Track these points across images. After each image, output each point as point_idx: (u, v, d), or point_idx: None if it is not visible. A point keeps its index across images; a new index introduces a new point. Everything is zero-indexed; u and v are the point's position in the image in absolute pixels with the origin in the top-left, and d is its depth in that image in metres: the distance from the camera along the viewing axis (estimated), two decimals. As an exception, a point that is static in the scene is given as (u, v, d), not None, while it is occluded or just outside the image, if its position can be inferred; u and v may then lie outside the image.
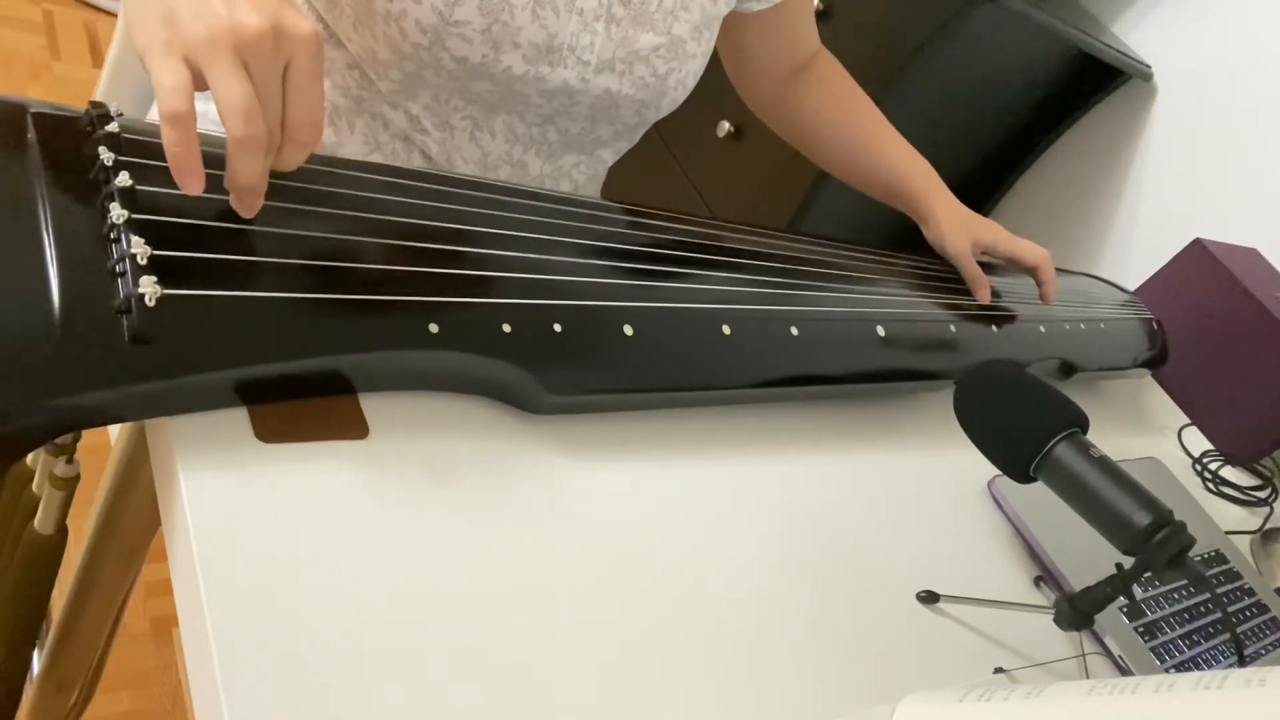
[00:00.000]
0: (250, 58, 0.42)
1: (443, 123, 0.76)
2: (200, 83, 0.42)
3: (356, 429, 0.48)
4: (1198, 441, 1.09)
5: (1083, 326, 0.97)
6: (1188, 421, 1.11)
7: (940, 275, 0.89)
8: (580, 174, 0.86)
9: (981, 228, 0.91)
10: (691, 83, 0.80)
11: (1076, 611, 0.56)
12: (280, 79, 0.43)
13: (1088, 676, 0.64)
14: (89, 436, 0.48)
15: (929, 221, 0.92)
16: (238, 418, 0.45)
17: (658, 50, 0.75)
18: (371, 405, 0.50)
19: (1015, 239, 0.92)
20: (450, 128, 0.76)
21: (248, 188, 0.43)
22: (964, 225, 0.90)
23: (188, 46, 0.42)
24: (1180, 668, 0.71)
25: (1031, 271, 0.92)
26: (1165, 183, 1.49)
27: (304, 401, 0.47)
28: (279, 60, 0.43)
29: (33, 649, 0.62)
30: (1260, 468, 1.10)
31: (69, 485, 0.56)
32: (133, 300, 0.41)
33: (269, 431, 0.45)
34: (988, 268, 0.99)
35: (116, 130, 0.48)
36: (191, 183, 0.42)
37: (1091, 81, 1.50)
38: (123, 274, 0.42)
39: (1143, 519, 0.53)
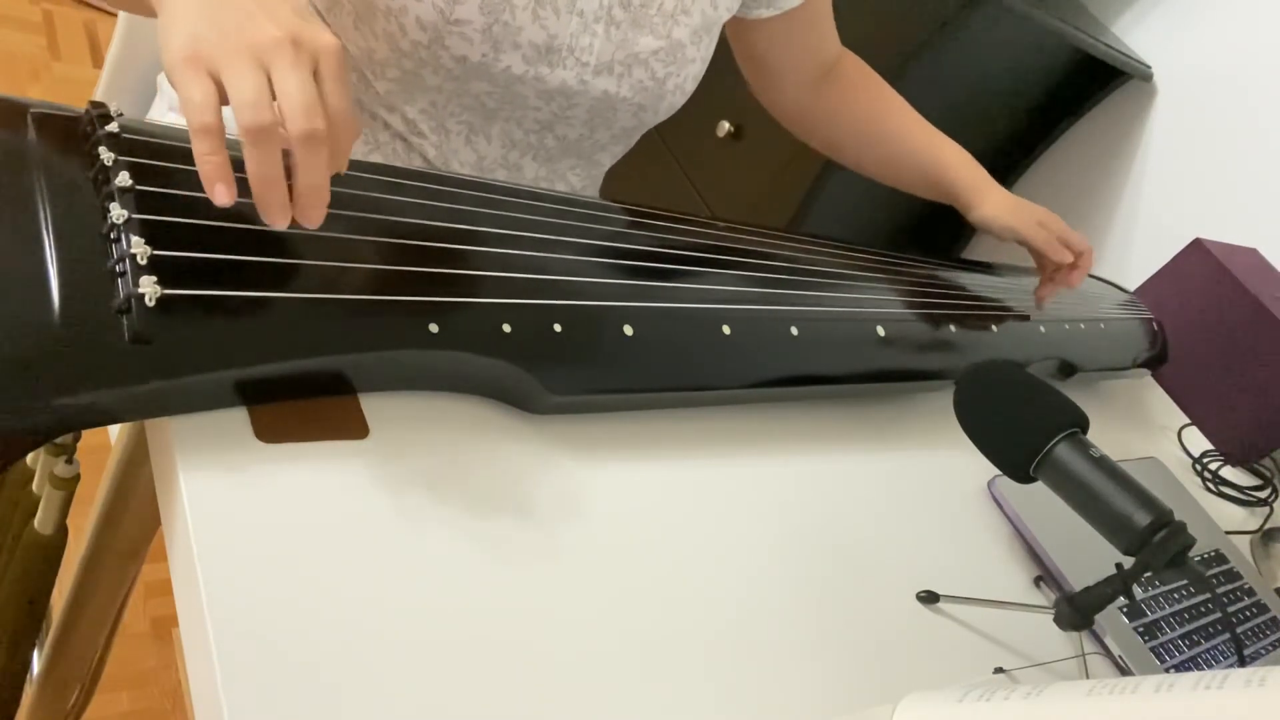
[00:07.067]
0: (270, 63, 0.43)
1: (439, 126, 0.76)
2: (225, 95, 0.43)
3: (356, 429, 0.48)
4: (1198, 441, 1.09)
5: (1083, 326, 0.97)
6: (1188, 421, 1.11)
7: (941, 275, 0.89)
8: (576, 177, 0.86)
9: (1038, 209, 0.92)
10: (690, 87, 0.80)
11: (1076, 611, 0.56)
12: (310, 75, 0.44)
13: (1088, 676, 0.64)
14: (89, 436, 0.48)
15: (980, 206, 0.91)
16: (238, 418, 0.45)
17: (657, 54, 0.75)
18: (371, 405, 0.50)
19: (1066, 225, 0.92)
20: (446, 131, 0.76)
21: (263, 177, 0.42)
22: (1021, 205, 0.91)
23: (209, 61, 0.43)
24: (1180, 668, 0.71)
25: (1075, 258, 0.90)
26: (1165, 183, 1.49)
27: (304, 401, 0.47)
28: (301, 64, 0.43)
29: (33, 649, 0.62)
30: (1260, 468, 1.10)
31: (69, 485, 0.56)
32: (133, 300, 0.41)
33: (269, 431, 0.45)
34: (989, 267, 0.99)
35: (116, 130, 0.48)
36: (222, 192, 0.42)
37: (1091, 81, 1.50)
38: (123, 274, 0.42)
39: (1143, 519, 0.53)
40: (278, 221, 0.43)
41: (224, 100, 0.43)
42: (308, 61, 0.44)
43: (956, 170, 0.92)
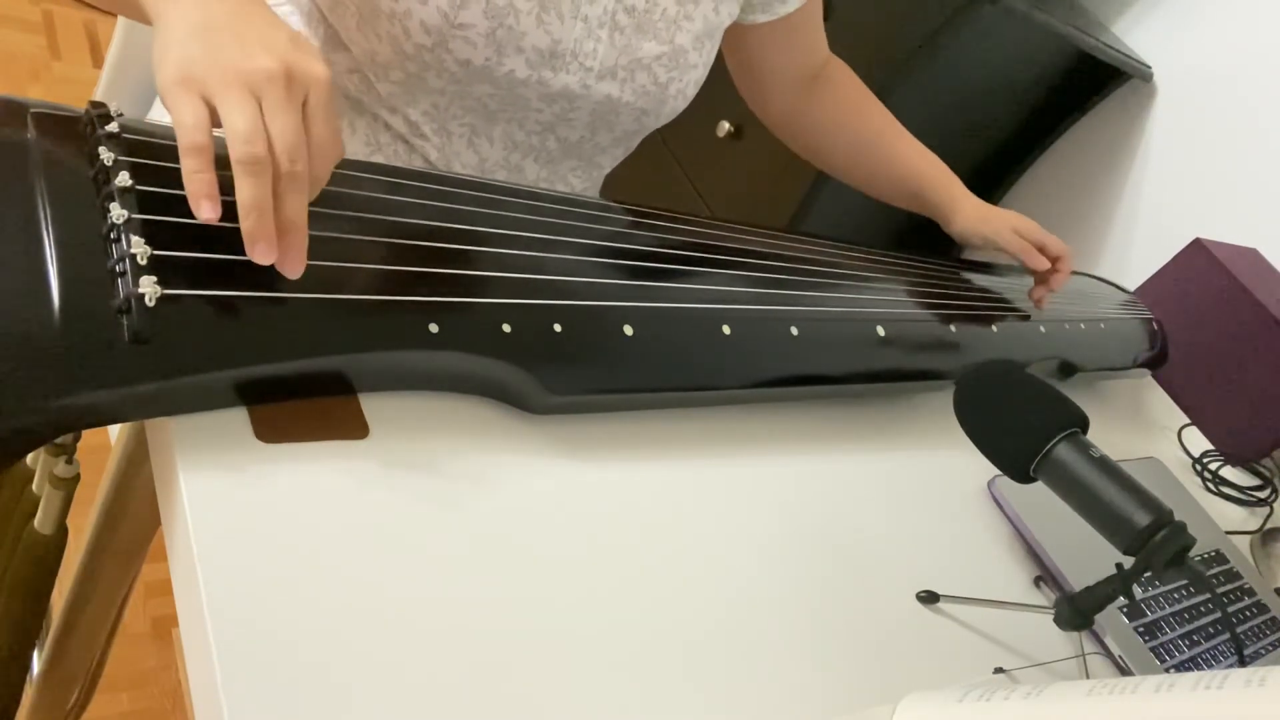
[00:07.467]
0: (263, 94, 0.44)
1: (441, 128, 0.76)
2: (217, 119, 0.44)
3: (356, 429, 0.48)
4: (1198, 441, 1.09)
5: (1083, 326, 0.97)
6: (1188, 421, 1.11)
7: (941, 275, 0.89)
8: (576, 179, 0.86)
9: (1011, 215, 0.92)
10: (692, 92, 0.80)
11: (1076, 611, 0.56)
12: (299, 114, 0.45)
13: (1088, 676, 0.64)
14: (89, 436, 0.48)
15: (955, 217, 0.92)
16: (238, 418, 0.45)
17: (659, 59, 0.75)
18: (371, 405, 0.50)
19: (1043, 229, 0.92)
20: (448, 133, 0.76)
21: (254, 206, 0.43)
22: (994, 213, 0.92)
23: (203, 85, 0.44)
24: (1180, 668, 0.71)
25: (1053, 261, 0.91)
26: (1165, 183, 1.49)
27: (304, 401, 0.47)
28: (293, 97, 0.44)
29: (33, 649, 0.62)
30: (1260, 468, 1.10)
31: (69, 485, 0.56)
32: (133, 300, 0.41)
33: (269, 431, 0.45)
34: (988, 267, 0.99)
35: (116, 130, 0.48)
36: (208, 208, 0.43)
37: (1091, 81, 1.50)
38: (123, 274, 0.42)
39: (1143, 519, 0.53)
40: (263, 255, 0.43)
41: (215, 123, 0.44)
42: (299, 96, 0.45)
43: (932, 182, 0.93)
